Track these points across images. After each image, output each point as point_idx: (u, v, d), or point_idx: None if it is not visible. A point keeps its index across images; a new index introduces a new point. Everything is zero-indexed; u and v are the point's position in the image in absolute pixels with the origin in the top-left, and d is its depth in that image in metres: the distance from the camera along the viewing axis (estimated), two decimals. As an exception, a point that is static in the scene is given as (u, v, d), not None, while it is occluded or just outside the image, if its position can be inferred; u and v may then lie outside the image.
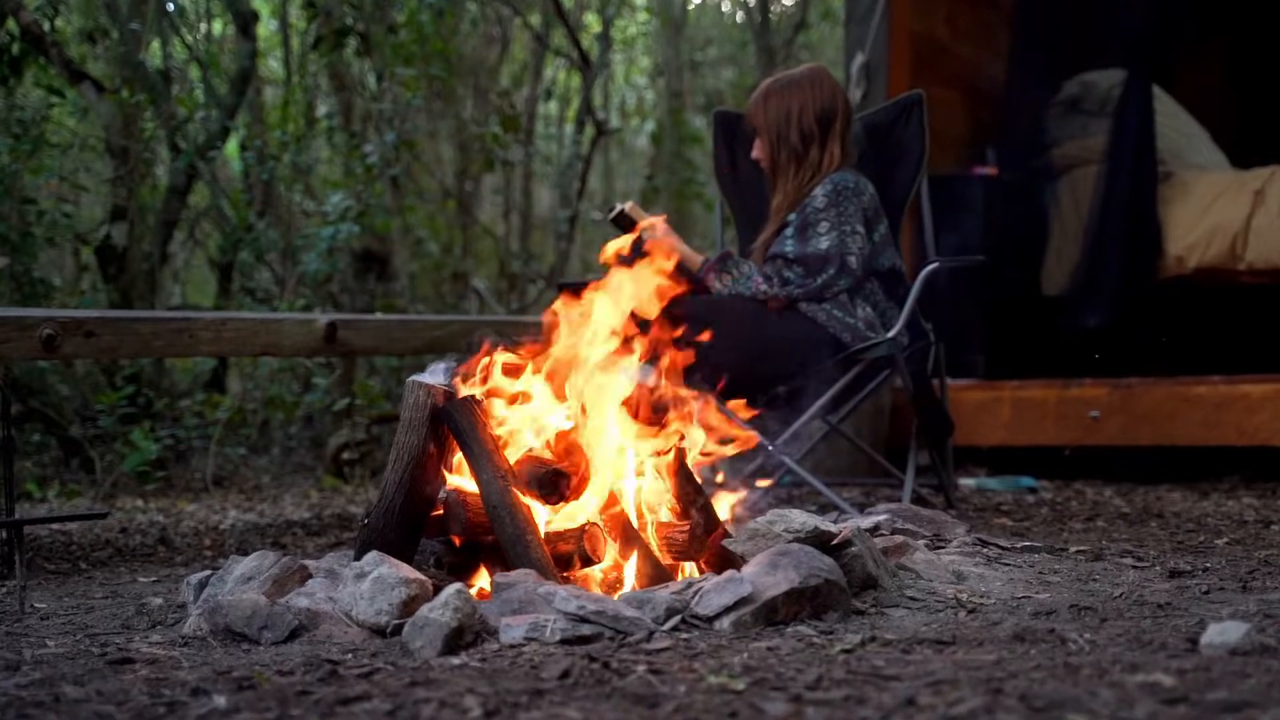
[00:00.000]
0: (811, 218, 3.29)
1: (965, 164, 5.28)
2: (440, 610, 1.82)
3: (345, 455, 4.85)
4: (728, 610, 1.88)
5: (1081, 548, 2.63)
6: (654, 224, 3.44)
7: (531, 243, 7.66)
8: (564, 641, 1.77)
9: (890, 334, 3.21)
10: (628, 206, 3.41)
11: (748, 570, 1.97)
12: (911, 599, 2.07)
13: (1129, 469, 4.51)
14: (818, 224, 3.28)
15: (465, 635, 1.81)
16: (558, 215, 7.16)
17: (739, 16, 10.12)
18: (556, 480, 2.19)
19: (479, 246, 7.43)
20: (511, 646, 1.77)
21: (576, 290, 2.52)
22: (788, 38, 8.40)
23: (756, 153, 3.49)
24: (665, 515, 2.31)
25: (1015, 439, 4.56)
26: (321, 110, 6.31)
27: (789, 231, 3.32)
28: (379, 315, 4.18)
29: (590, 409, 2.27)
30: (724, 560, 2.16)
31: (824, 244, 3.26)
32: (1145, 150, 4.91)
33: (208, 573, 2.27)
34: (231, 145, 6.51)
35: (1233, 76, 5.93)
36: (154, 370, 5.07)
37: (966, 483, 4.28)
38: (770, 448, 3.30)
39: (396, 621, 1.92)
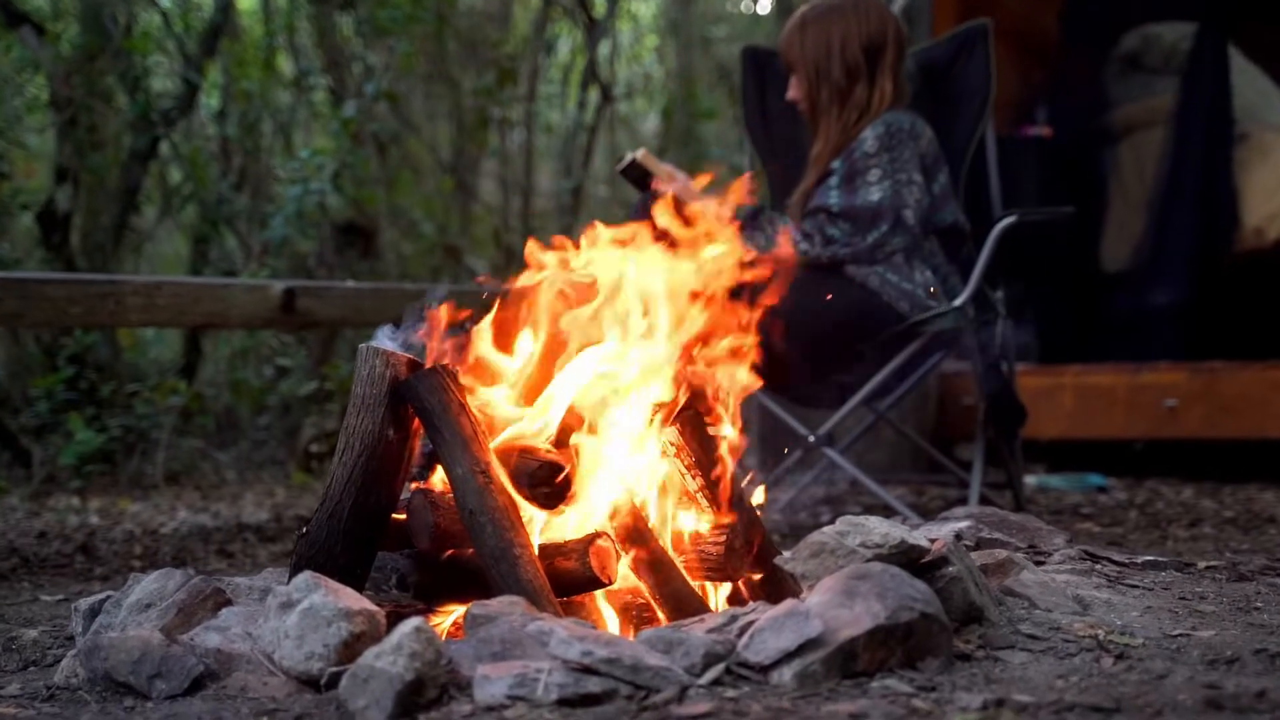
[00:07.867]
0: (860, 164, 2.77)
1: (1014, 124, 4.75)
2: (391, 657, 1.31)
3: (314, 447, 4.30)
4: (789, 657, 1.36)
5: (1213, 563, 2.10)
6: (673, 173, 2.92)
7: (532, 218, 7.13)
8: (562, 702, 1.29)
9: (957, 303, 2.69)
10: (640, 155, 2.89)
11: (813, 600, 1.44)
12: (1030, 637, 1.54)
13: (1204, 465, 3.98)
14: (867, 172, 2.76)
15: (426, 691, 1.32)
16: (560, 186, 6.61)
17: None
18: (555, 476, 1.66)
19: (477, 227, 6.90)
20: (489, 708, 1.28)
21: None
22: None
23: (793, 93, 2.96)
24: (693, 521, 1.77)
25: (1079, 431, 4.03)
26: (303, 66, 5.75)
27: (833, 181, 2.79)
28: (348, 283, 3.65)
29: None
30: (776, 585, 1.64)
31: (875, 195, 2.74)
32: (1220, 110, 4.41)
33: (104, 595, 1.77)
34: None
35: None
36: (107, 351, 4.51)
37: (1026, 480, 3.74)
38: (811, 438, 2.78)
39: (333, 670, 1.42)
